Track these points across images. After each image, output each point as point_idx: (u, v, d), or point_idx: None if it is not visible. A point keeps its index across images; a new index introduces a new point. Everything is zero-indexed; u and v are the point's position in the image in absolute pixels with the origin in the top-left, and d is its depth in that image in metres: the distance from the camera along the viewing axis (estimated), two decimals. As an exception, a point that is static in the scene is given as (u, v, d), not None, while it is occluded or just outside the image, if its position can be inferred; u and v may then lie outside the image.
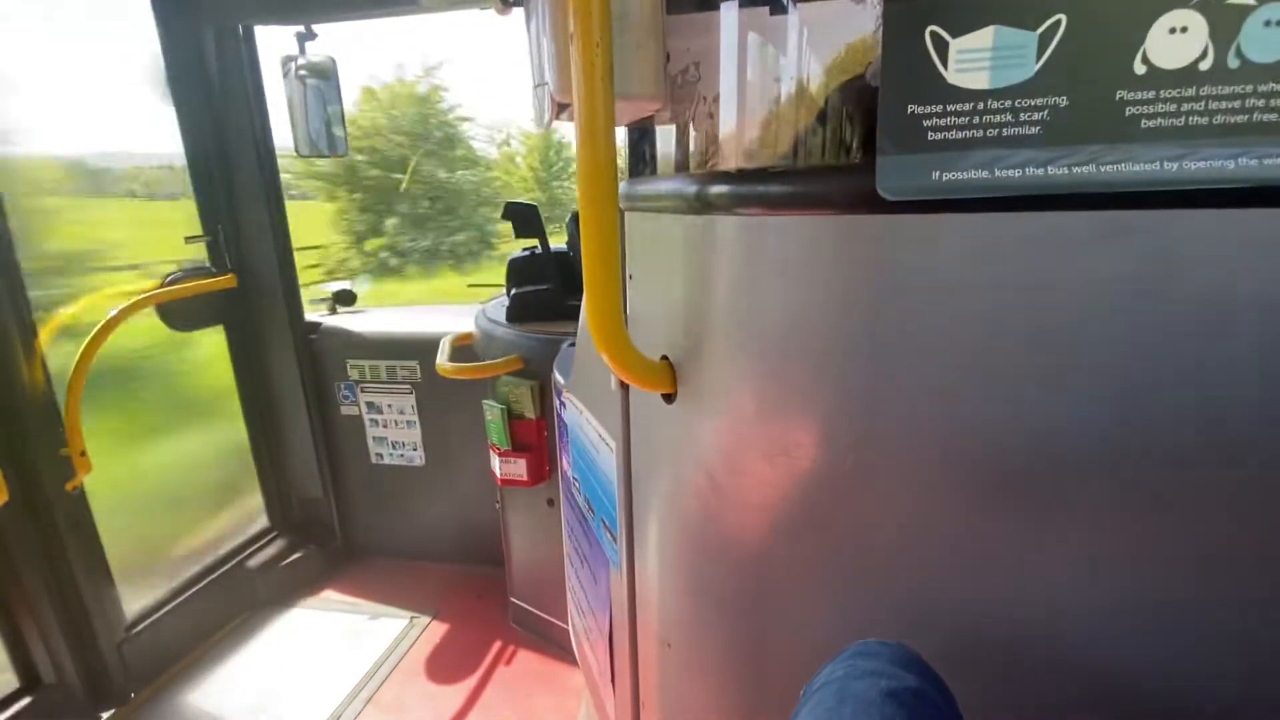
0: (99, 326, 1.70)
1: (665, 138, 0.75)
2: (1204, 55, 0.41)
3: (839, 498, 0.59)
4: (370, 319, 2.37)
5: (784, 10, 0.67)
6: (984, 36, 0.43)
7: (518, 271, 1.88)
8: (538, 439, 1.76)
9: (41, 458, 1.58)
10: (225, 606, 2.12)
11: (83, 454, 1.64)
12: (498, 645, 2.01)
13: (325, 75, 2.05)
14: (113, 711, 1.75)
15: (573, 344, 1.41)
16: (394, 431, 2.36)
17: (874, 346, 0.51)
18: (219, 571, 2.10)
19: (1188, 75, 0.41)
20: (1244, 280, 0.41)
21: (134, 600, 1.86)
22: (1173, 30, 0.41)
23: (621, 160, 0.85)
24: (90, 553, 1.71)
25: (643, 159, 0.79)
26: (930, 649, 0.50)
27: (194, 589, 2.01)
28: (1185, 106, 0.41)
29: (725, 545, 0.72)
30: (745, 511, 0.68)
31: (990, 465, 0.50)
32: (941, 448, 0.51)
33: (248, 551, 2.22)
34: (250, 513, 2.32)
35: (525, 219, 1.80)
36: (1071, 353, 0.45)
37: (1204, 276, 0.42)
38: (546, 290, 1.84)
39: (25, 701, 1.57)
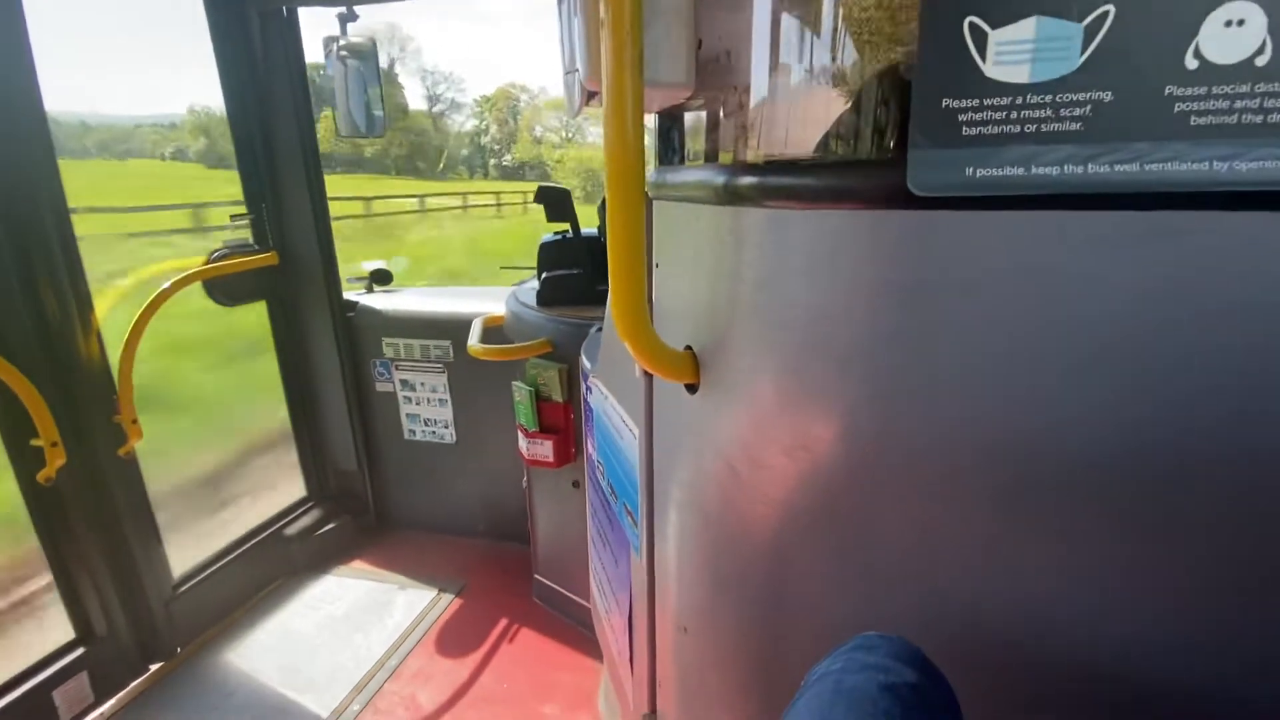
0: (149, 300, 1.77)
1: (695, 125, 0.74)
2: (1261, 50, 0.39)
3: (856, 493, 0.59)
4: (405, 298, 2.42)
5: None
6: (1025, 28, 0.41)
7: (549, 255, 1.90)
8: (564, 421, 1.78)
9: (96, 424, 1.67)
10: (263, 571, 2.21)
11: (134, 421, 1.72)
12: (521, 621, 2.06)
13: (365, 57, 2.08)
14: (160, 665, 1.85)
15: (600, 329, 1.42)
16: (426, 409, 2.41)
17: (898, 344, 0.51)
18: (259, 538, 2.19)
19: (1243, 71, 0.39)
20: None
21: (180, 562, 1.96)
22: (1229, 23, 0.39)
23: (650, 145, 0.85)
24: (140, 515, 1.80)
25: (672, 146, 0.79)
26: (939, 645, 0.50)
27: (235, 553, 2.11)
28: (1239, 104, 0.39)
29: (743, 535, 0.72)
30: (763, 503, 0.68)
31: (1011, 468, 0.49)
32: (961, 448, 0.50)
33: (286, 520, 2.32)
34: (288, 482, 2.42)
35: (558, 203, 1.80)
36: (1106, 359, 0.43)
37: (1253, 283, 0.40)
38: (577, 274, 1.85)
39: (80, 651, 1.67)
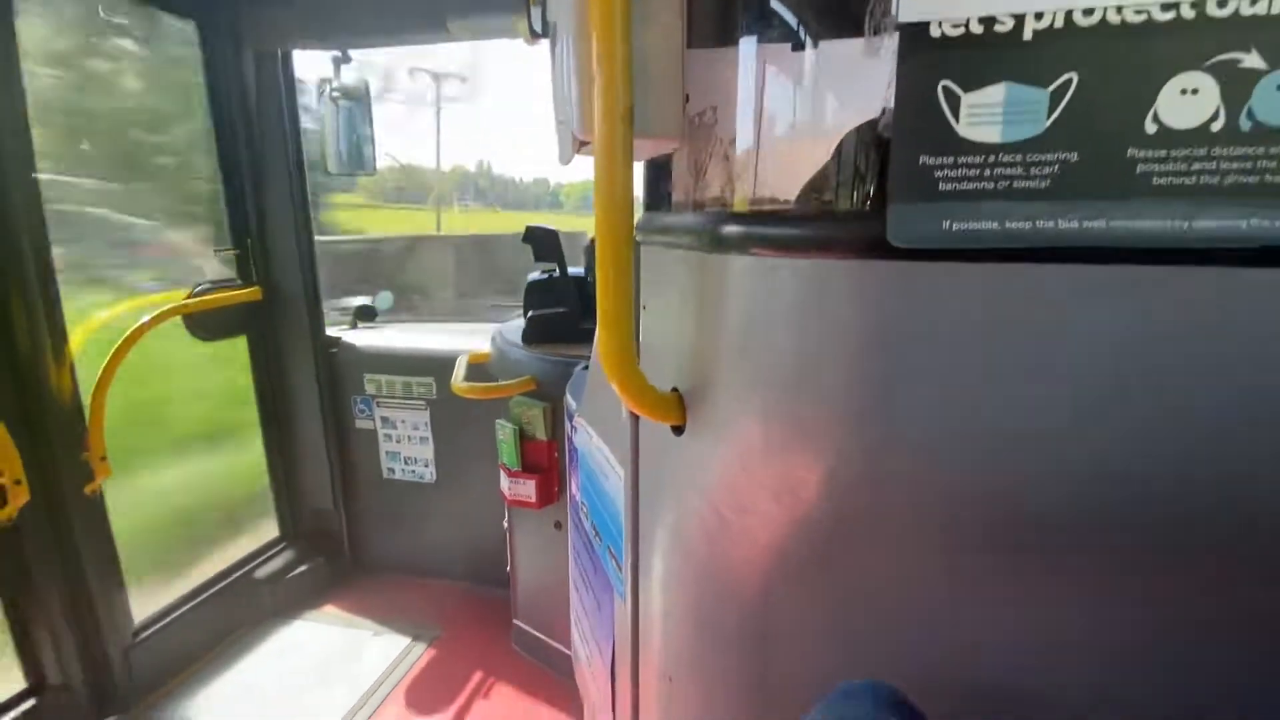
0: (127, 334, 1.74)
1: (683, 171, 0.77)
2: (1215, 116, 0.41)
3: (843, 538, 0.58)
4: (389, 335, 2.41)
5: (801, 48, 0.68)
6: (995, 92, 0.43)
7: (535, 293, 1.91)
8: (548, 460, 1.77)
9: (63, 461, 1.62)
10: (230, 616, 2.13)
11: (103, 458, 1.67)
12: (499, 670, 1.99)
13: (357, 98, 2.12)
14: (114, 718, 1.75)
15: (586, 367, 1.42)
16: (407, 447, 2.37)
17: (882, 390, 0.52)
18: (227, 580, 2.11)
19: (1199, 135, 0.41)
20: (1246, 339, 0.41)
21: (142, 606, 1.87)
22: (1184, 91, 0.41)
23: (638, 187, 0.87)
24: (104, 557, 1.73)
25: (659, 193, 0.81)
26: (928, 690, 0.49)
27: (201, 597, 2.03)
28: (1196, 166, 0.42)
29: (729, 581, 0.72)
30: (750, 548, 0.67)
31: (996, 516, 0.50)
32: (947, 496, 0.51)
33: (256, 561, 2.24)
34: (260, 522, 2.35)
35: (545, 243, 1.83)
36: (1076, 406, 0.45)
37: (1217, 336, 0.42)
38: (563, 313, 1.86)
39: (31, 703, 1.58)
